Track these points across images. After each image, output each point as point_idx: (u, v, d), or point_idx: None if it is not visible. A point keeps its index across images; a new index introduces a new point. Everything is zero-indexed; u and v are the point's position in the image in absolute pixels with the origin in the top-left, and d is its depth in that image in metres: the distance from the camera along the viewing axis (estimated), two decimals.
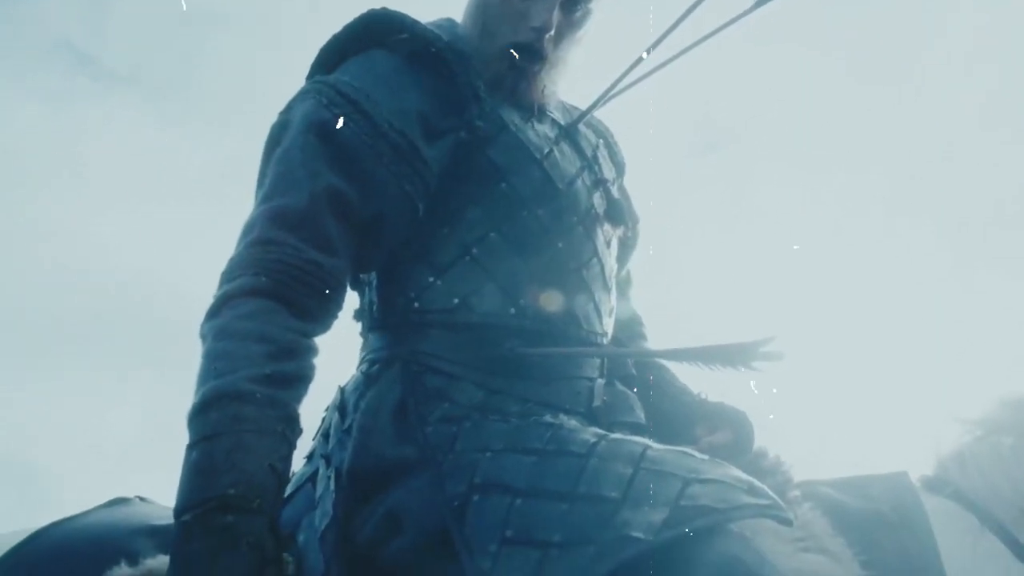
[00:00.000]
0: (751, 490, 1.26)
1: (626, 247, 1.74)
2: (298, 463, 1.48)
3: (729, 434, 1.55)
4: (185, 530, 1.22)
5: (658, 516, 1.21)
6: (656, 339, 1.84)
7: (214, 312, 1.36)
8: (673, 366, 1.66)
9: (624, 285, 1.80)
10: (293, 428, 1.31)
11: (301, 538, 1.41)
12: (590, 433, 1.36)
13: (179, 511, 1.23)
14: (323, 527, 1.39)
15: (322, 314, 1.40)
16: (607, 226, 1.62)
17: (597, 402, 1.50)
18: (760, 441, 1.56)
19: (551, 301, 1.50)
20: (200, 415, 1.27)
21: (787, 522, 1.26)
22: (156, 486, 1.64)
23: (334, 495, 1.39)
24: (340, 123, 1.44)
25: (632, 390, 1.57)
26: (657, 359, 1.59)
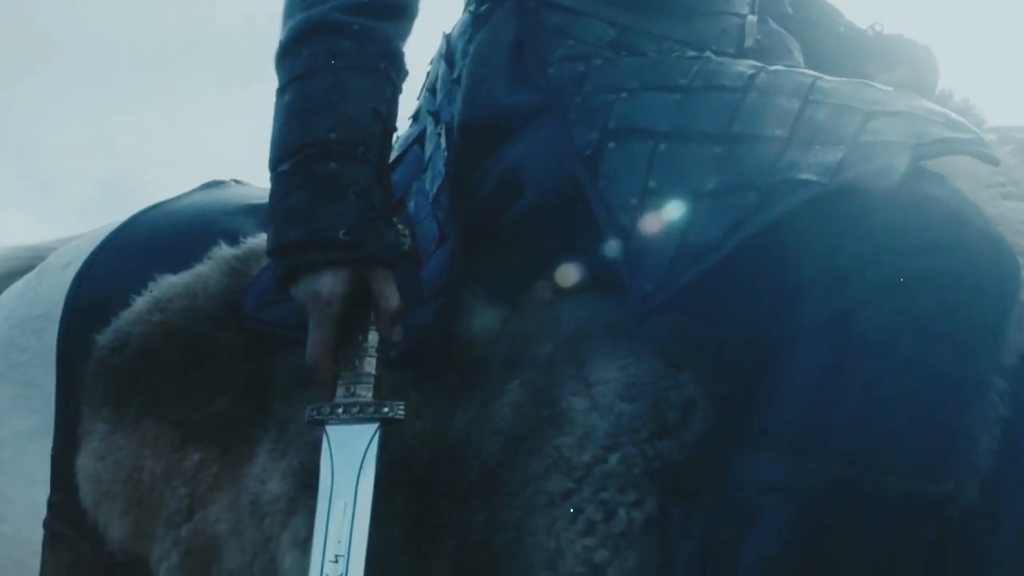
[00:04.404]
0: (949, 123, 1.04)
1: None
2: (402, 126, 1.32)
3: (909, 71, 1.31)
4: (283, 182, 1.09)
5: (833, 156, 1.00)
6: None
7: None
8: None
9: None
10: (398, 68, 1.15)
11: (411, 205, 1.26)
12: (745, 65, 1.13)
13: (274, 162, 1.10)
14: (435, 190, 1.23)
15: None
16: None
17: (748, 42, 1.26)
18: (945, 82, 1.32)
19: None
20: (290, 52, 1.12)
21: (992, 160, 1.05)
22: None
23: (446, 154, 1.22)
24: None
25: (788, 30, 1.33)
26: None
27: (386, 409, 1.08)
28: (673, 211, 1.04)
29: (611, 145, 1.10)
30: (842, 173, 0.99)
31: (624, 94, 1.13)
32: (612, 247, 1.06)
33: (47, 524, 1.36)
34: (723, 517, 1.03)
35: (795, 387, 1.01)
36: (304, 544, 1.09)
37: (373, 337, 1.11)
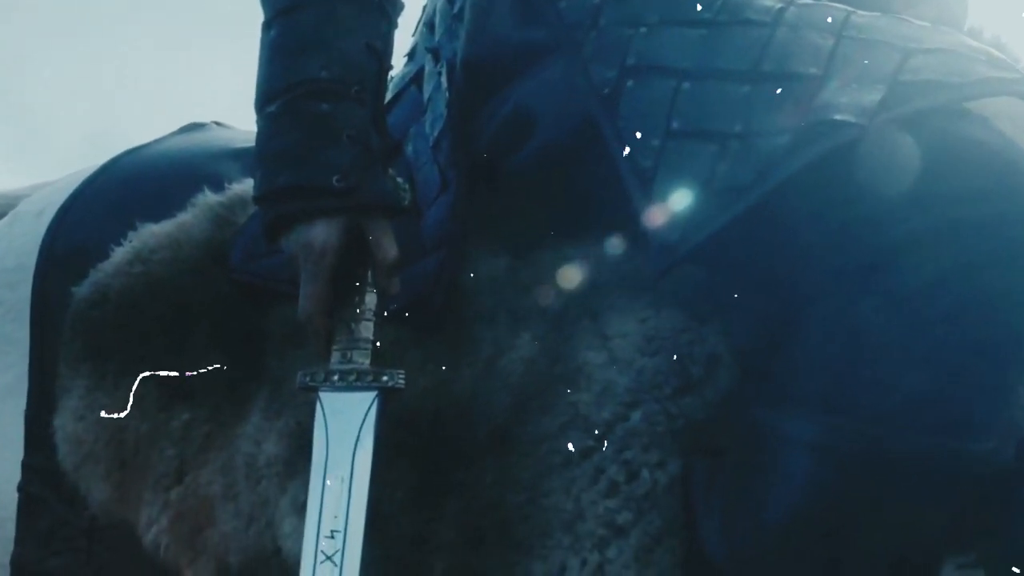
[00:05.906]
0: (991, 61, 0.98)
1: None
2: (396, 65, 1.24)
3: (933, 8, 1.25)
4: (272, 124, 1.02)
5: (871, 96, 0.94)
6: None
7: None
8: None
9: None
10: (393, 0, 1.08)
11: (410, 149, 1.19)
12: None
13: (261, 102, 1.03)
14: (436, 133, 1.16)
15: None
16: None
17: None
18: (973, 17, 1.26)
19: None
20: None
21: None
22: None
23: (447, 94, 1.16)
24: None
25: None
26: None
27: (385, 378, 1.02)
28: (698, 154, 0.98)
29: (630, 83, 1.03)
30: (882, 114, 0.93)
31: (643, 29, 1.06)
32: (631, 192, 1.00)
33: (21, 487, 1.30)
34: (747, 475, 0.98)
35: (823, 341, 0.96)
36: (303, 509, 1.03)
37: (371, 299, 1.05)
